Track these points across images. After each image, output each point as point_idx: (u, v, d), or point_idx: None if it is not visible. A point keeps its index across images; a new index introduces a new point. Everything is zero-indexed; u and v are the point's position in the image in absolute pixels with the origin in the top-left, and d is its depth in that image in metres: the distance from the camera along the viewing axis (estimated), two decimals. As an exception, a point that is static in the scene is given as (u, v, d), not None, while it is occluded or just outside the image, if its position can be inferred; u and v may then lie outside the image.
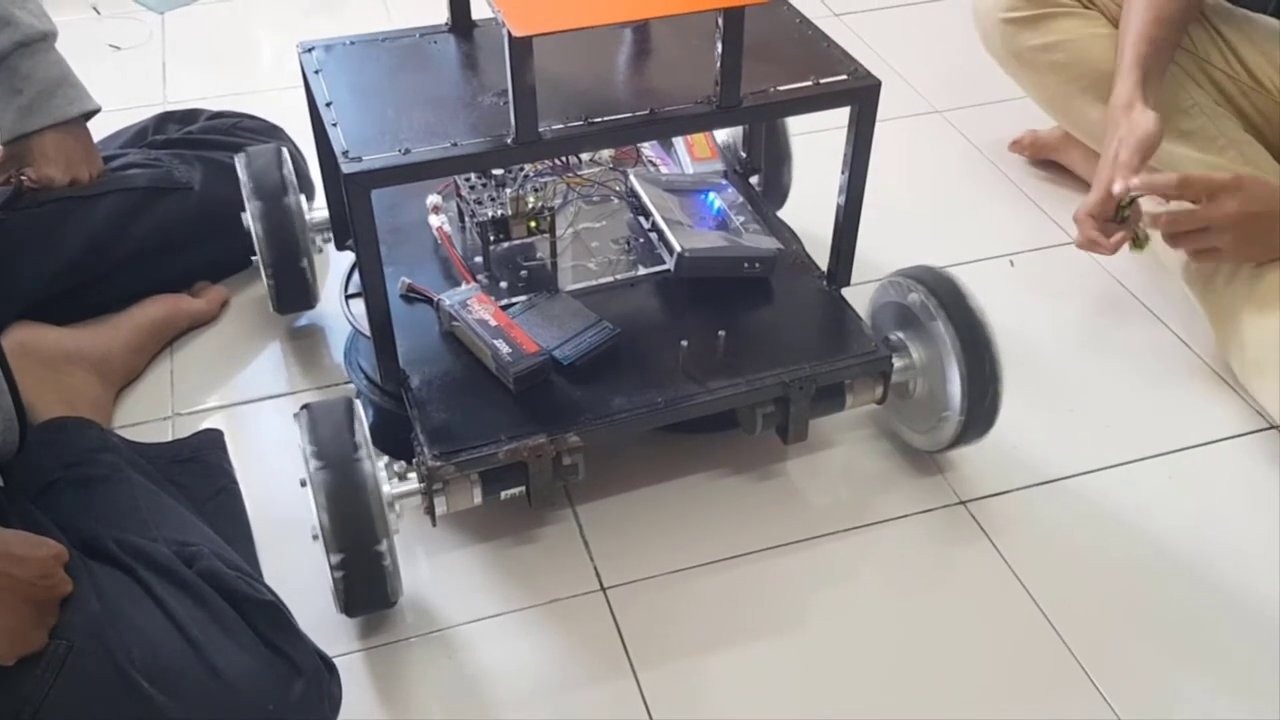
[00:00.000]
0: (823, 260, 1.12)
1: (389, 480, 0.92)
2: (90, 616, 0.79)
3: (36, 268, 1.17)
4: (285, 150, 1.20)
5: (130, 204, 1.22)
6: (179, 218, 1.24)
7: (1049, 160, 1.53)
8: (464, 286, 1.07)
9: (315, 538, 0.89)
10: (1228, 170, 1.29)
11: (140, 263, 1.23)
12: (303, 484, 0.89)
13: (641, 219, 1.14)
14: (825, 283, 1.11)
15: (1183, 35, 1.29)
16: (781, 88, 0.95)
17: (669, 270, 1.09)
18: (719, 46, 0.88)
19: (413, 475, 0.94)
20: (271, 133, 1.35)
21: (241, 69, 1.75)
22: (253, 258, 1.19)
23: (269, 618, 0.85)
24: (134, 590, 0.83)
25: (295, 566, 0.99)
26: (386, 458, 0.95)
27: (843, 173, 1.02)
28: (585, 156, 1.22)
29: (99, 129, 1.36)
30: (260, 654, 0.83)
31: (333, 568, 0.88)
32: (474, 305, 1.03)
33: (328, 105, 0.94)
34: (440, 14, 1.06)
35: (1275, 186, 1.13)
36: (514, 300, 1.07)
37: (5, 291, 1.15)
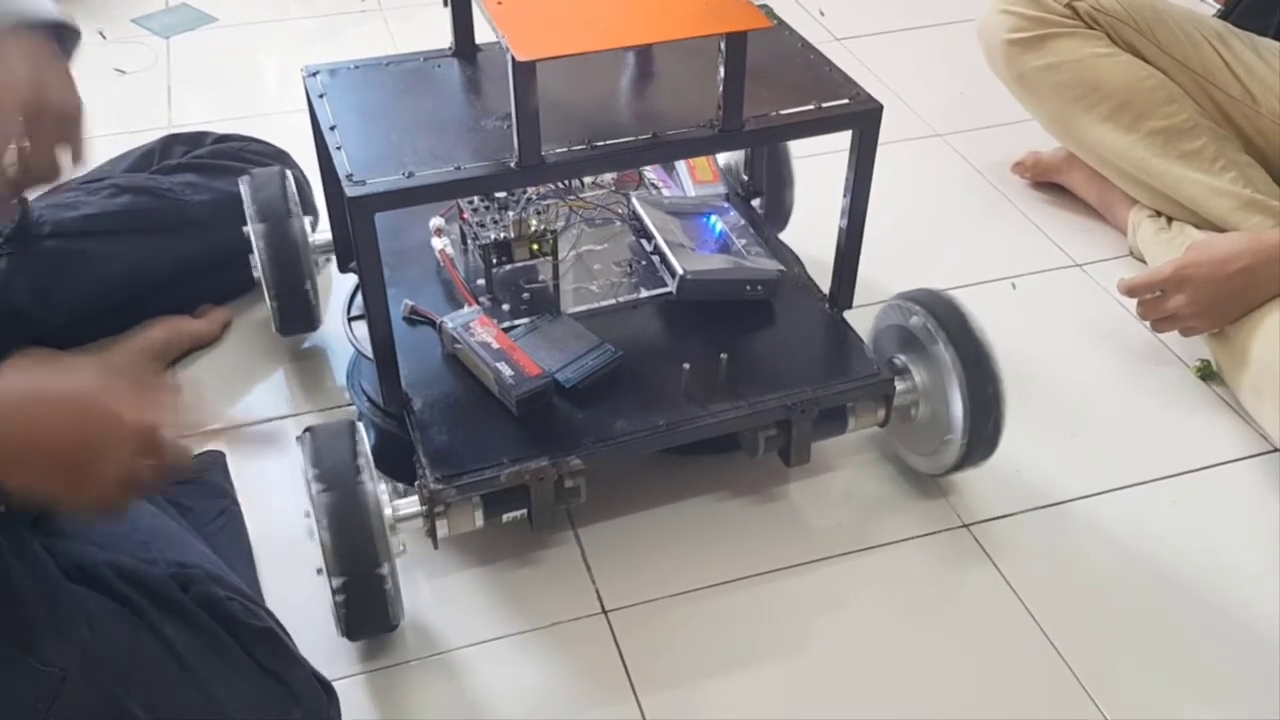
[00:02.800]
0: (825, 283, 1.12)
1: (391, 503, 0.92)
2: (85, 646, 0.79)
3: (44, 307, 1.16)
4: (289, 173, 1.20)
5: (143, 246, 1.21)
6: (192, 250, 1.24)
7: (1051, 182, 1.53)
8: (466, 309, 1.07)
9: (320, 572, 0.89)
10: (1228, 192, 1.30)
11: (150, 295, 1.23)
12: (307, 515, 0.89)
13: (644, 241, 1.15)
14: (827, 305, 1.11)
15: None
16: (783, 112, 0.95)
17: (671, 293, 1.09)
18: (721, 71, 0.89)
19: (415, 498, 0.94)
20: (279, 158, 1.36)
21: (246, 93, 1.75)
22: (255, 275, 1.19)
23: (266, 644, 0.85)
24: (130, 619, 0.83)
25: (296, 588, 0.99)
26: (386, 481, 0.95)
27: (844, 196, 1.03)
28: (588, 179, 1.23)
29: (108, 152, 1.38)
30: (257, 681, 0.82)
31: (334, 590, 0.88)
32: (476, 327, 1.03)
33: (332, 129, 0.95)
34: (444, 38, 1.07)
35: (1217, 263, 1.19)
36: (516, 323, 1.07)
37: (10, 327, 1.14)
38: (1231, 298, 1.18)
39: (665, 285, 1.11)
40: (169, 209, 1.24)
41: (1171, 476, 1.14)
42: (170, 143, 1.36)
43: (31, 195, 1.06)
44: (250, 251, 1.18)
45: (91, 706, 0.77)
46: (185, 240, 1.24)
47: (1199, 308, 1.20)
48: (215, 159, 1.32)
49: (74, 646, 0.78)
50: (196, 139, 1.37)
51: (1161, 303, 1.22)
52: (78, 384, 0.75)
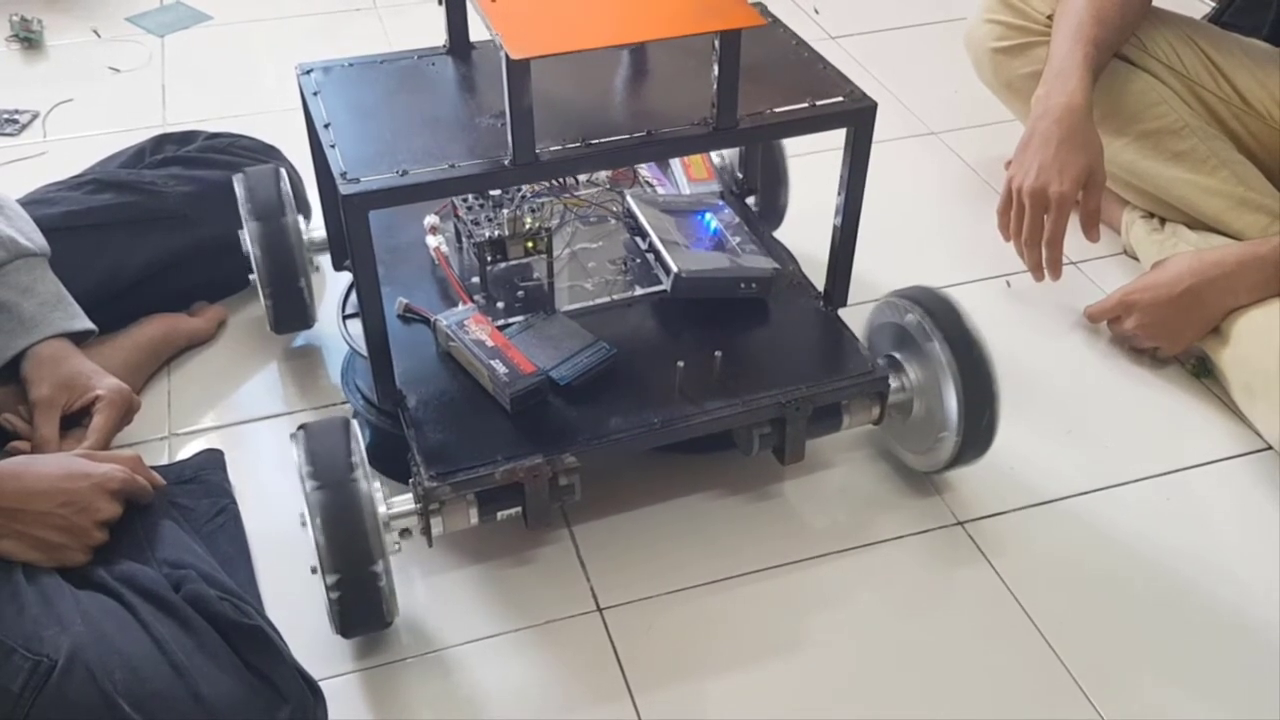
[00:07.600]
0: (819, 281, 1.12)
1: (385, 500, 0.92)
2: (74, 637, 0.79)
3: None
4: (283, 170, 1.20)
5: (125, 240, 1.21)
6: (175, 243, 1.24)
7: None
8: (461, 307, 1.07)
9: (314, 570, 0.89)
10: (1221, 191, 1.30)
11: (137, 288, 1.23)
12: (302, 520, 0.89)
13: (638, 239, 1.15)
14: (822, 303, 1.11)
15: (1123, 39, 1.34)
16: (778, 109, 0.95)
17: (666, 291, 1.09)
18: (716, 69, 0.89)
19: (409, 496, 0.94)
20: (267, 152, 1.36)
21: (241, 91, 1.75)
22: (250, 277, 1.19)
23: (254, 643, 0.85)
24: (120, 614, 0.83)
25: (292, 586, 0.99)
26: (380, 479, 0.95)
27: (839, 194, 1.03)
28: (583, 177, 1.23)
29: (100, 151, 1.37)
30: (244, 680, 0.83)
31: (329, 588, 0.88)
32: (471, 325, 1.03)
33: (326, 126, 0.95)
34: (438, 36, 1.07)
35: (1161, 287, 1.23)
36: (511, 320, 1.08)
37: None
38: (1182, 319, 1.22)
39: (660, 283, 1.11)
40: (150, 202, 1.24)
41: (1166, 474, 1.14)
42: (161, 141, 1.36)
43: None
44: (239, 246, 1.18)
45: (77, 698, 0.77)
46: (168, 232, 1.23)
47: (1150, 330, 1.24)
48: (204, 154, 1.32)
49: (64, 637, 0.78)
50: (188, 137, 1.37)
51: (1119, 326, 1.27)
52: (58, 458, 0.97)
